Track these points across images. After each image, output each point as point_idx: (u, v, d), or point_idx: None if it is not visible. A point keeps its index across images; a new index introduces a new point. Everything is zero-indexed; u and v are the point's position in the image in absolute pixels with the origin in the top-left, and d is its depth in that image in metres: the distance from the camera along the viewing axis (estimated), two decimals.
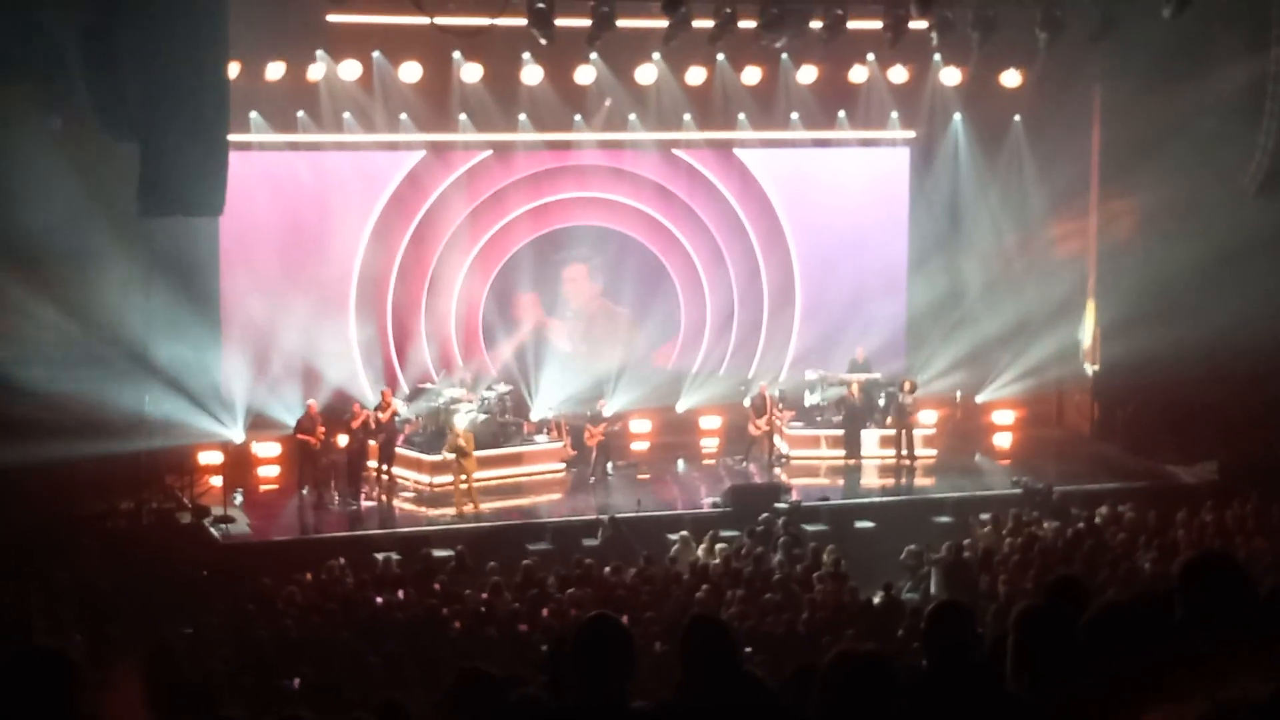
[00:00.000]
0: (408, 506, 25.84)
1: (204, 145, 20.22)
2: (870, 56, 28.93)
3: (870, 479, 27.88)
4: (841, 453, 28.49)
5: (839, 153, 30.99)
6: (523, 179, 29.28)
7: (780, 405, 28.81)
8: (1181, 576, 5.82)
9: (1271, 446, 24.62)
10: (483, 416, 26.42)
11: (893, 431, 28.24)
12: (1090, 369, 30.90)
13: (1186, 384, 25.87)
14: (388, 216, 28.43)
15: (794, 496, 25.50)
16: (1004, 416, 31.09)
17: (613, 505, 25.02)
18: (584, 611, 17.05)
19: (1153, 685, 5.25)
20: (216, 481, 25.39)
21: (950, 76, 29.54)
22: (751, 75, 28.91)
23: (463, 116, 27.95)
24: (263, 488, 26.83)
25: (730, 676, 6.17)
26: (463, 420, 26.22)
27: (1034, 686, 5.88)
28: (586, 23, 24.76)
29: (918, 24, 25.10)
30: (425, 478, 26.36)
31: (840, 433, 28.64)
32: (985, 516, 23.50)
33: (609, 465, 27.66)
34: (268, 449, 27.09)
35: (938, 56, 28.81)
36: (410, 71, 26.92)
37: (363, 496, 25.82)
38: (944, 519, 24.50)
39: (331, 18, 25.35)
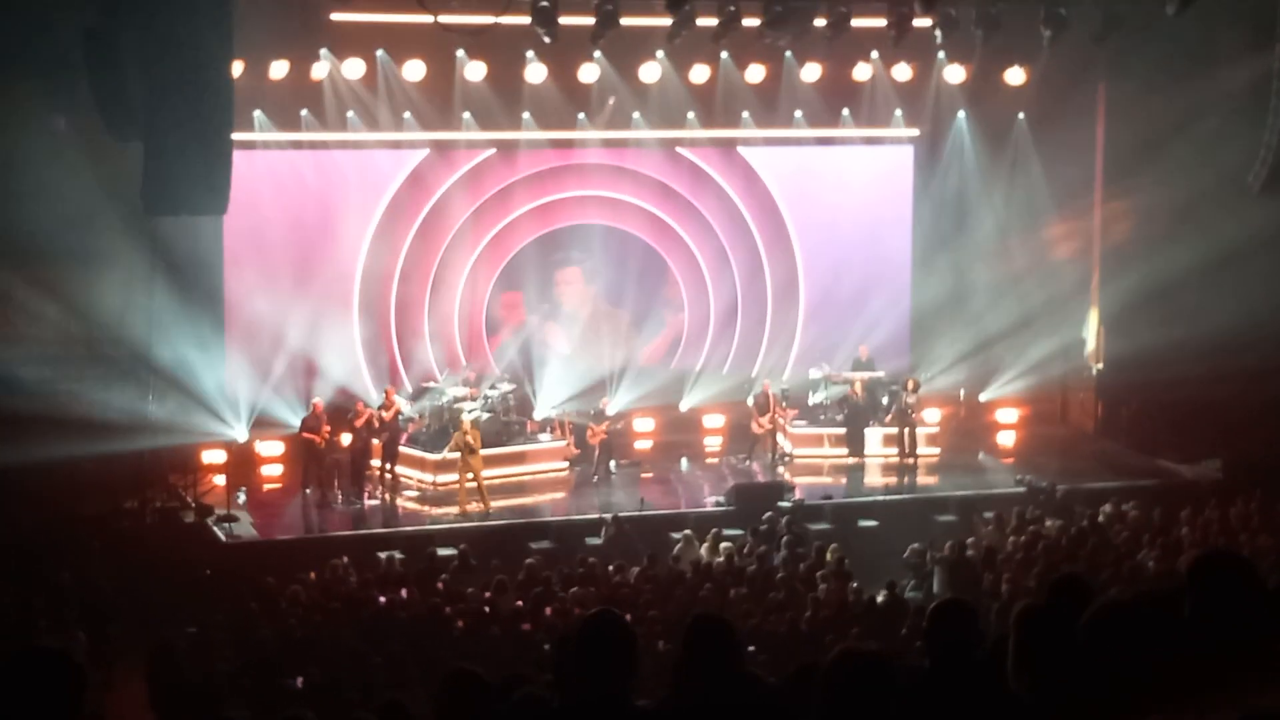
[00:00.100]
0: (411, 505, 25.84)
1: (208, 144, 20.21)
2: (874, 54, 28.90)
3: (873, 477, 27.88)
4: (845, 451, 28.48)
5: (843, 151, 30.96)
6: (526, 177, 29.27)
7: (784, 404, 28.79)
8: (1190, 574, 5.79)
9: (1275, 444, 24.59)
10: (486, 415, 26.39)
11: (896, 430, 28.22)
12: (1095, 368, 30.88)
13: (1190, 382, 25.84)
14: (391, 215, 28.42)
15: (797, 495, 25.46)
16: (1007, 415, 31.07)
17: (615, 504, 25.01)
18: (587, 610, 17.08)
19: (1158, 685, 5.24)
20: (220, 480, 25.41)
21: (954, 74, 29.52)
22: (755, 73, 28.90)
23: (466, 115, 27.95)
24: (266, 487, 26.84)
25: (733, 676, 6.16)
26: (466, 419, 26.21)
27: (1035, 686, 5.87)
28: (590, 21, 24.74)
29: (922, 22, 25.07)
30: (428, 476, 26.35)
31: (843, 431, 28.62)
32: (989, 515, 23.52)
33: (612, 464, 27.65)
34: (271, 448, 27.09)
35: (942, 54, 28.79)
36: (414, 70, 26.91)
37: (366, 495, 25.82)
38: (947, 518, 24.49)
39: (335, 16, 25.38)
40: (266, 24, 23.75)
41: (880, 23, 25.68)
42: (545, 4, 23.80)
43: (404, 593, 19.51)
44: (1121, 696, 5.27)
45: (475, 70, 27.26)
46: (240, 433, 26.40)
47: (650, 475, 28.04)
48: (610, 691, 5.70)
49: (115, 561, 20.95)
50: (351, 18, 25.48)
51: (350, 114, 27.18)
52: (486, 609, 18.53)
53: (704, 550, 21.85)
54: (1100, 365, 30.74)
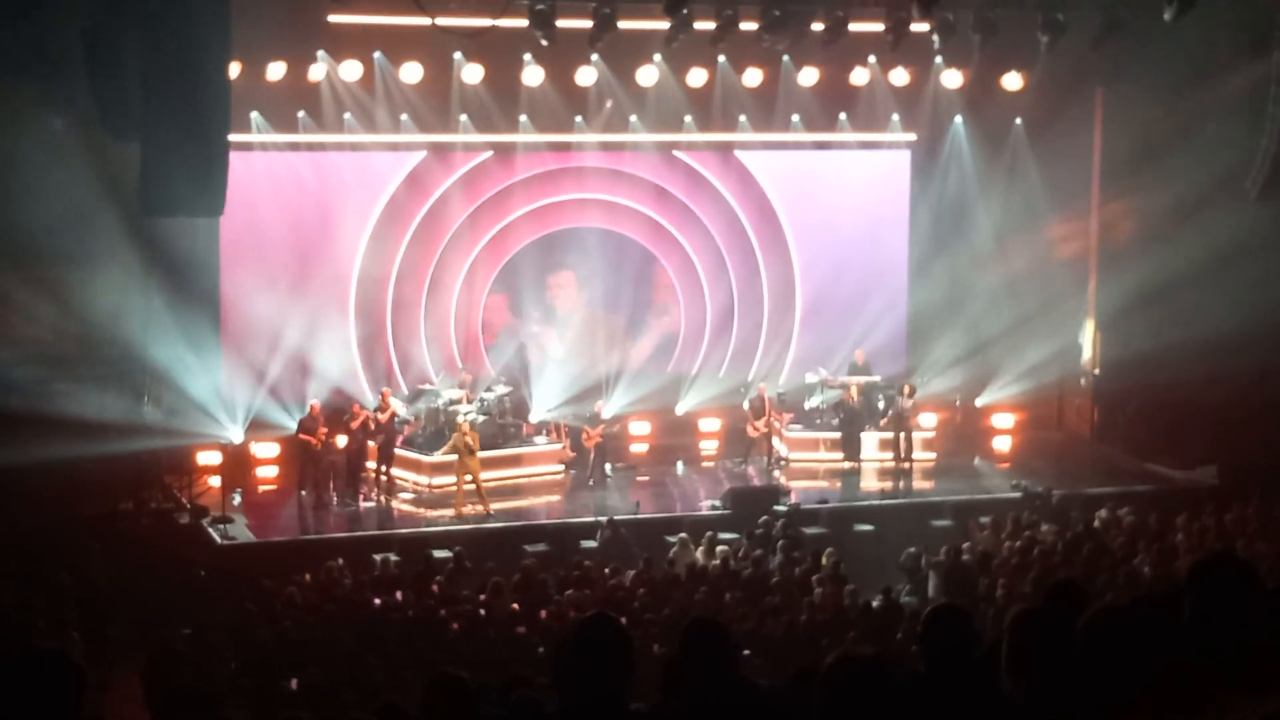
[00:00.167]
0: (406, 507, 25.82)
1: (205, 146, 20.20)
2: (871, 59, 28.88)
3: (869, 482, 27.88)
4: (840, 455, 28.48)
5: (840, 155, 30.97)
6: (523, 180, 29.26)
7: (780, 408, 28.80)
8: (1190, 577, 5.80)
9: (1272, 449, 24.58)
10: (482, 418, 26.38)
11: (892, 434, 28.23)
12: (1092, 373, 30.91)
13: (1187, 387, 25.86)
14: (388, 217, 28.42)
15: (793, 499, 25.51)
16: (1004, 420, 31.09)
17: (611, 507, 25.00)
18: (582, 613, 17.07)
19: (1159, 689, 5.24)
20: (215, 482, 25.37)
21: (951, 79, 29.51)
22: (753, 77, 28.89)
23: (463, 117, 27.94)
24: (261, 488, 26.82)
25: (728, 679, 6.16)
26: (462, 421, 26.20)
27: (1030, 690, 5.87)
28: (588, 24, 24.78)
29: (919, 26, 25.10)
30: (424, 479, 26.34)
31: (839, 435, 28.62)
32: (985, 520, 23.49)
33: (608, 467, 27.64)
34: (267, 449, 27.08)
35: (939, 59, 28.78)
36: (411, 72, 26.91)
37: (361, 497, 25.81)
38: (943, 522, 24.50)
39: (333, 18, 25.36)
40: (264, 25, 23.73)
41: (878, 27, 25.72)
42: (543, 7, 23.84)
43: (399, 595, 19.50)
44: (1120, 700, 5.28)
45: (473, 73, 27.26)
46: (236, 434, 26.38)
47: (646, 478, 28.05)
48: (605, 695, 5.69)
49: (112, 562, 20.93)
50: (349, 19, 25.48)
51: (347, 116, 27.16)
52: (482, 611, 18.52)
53: (700, 554, 21.84)
54: (1097, 370, 30.76)
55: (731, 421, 29.53)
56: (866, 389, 28.98)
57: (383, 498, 25.94)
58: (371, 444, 26.00)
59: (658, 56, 27.74)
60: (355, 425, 25.71)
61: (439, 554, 21.64)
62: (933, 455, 28.81)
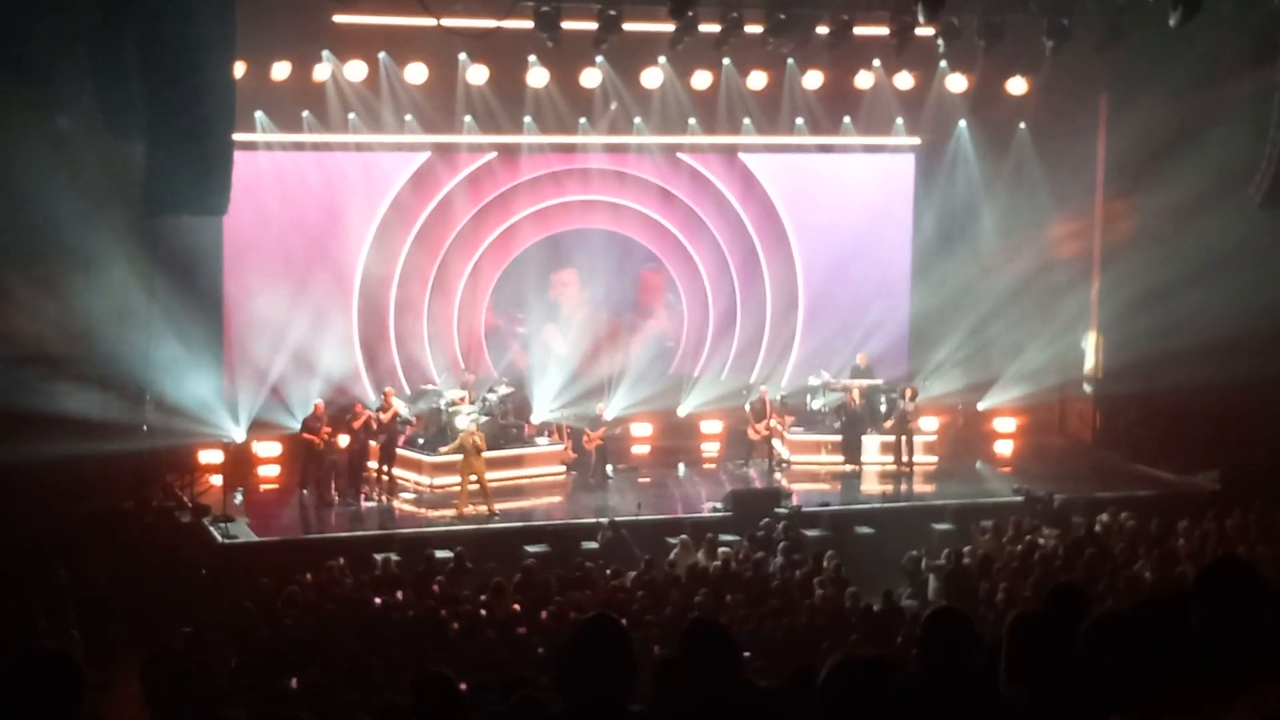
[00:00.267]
0: (408, 507, 25.83)
1: (209, 145, 20.18)
2: (876, 62, 28.88)
3: (871, 485, 27.90)
4: (842, 458, 28.48)
5: (844, 158, 30.98)
6: (527, 182, 29.28)
7: (781, 410, 28.80)
8: (1198, 582, 5.80)
9: (1273, 454, 24.58)
10: (484, 418, 26.39)
11: (893, 437, 28.23)
12: (1094, 378, 30.92)
13: (1188, 392, 25.86)
14: (392, 217, 28.43)
15: (794, 501, 25.51)
16: (1005, 424, 31.10)
17: (612, 508, 25.00)
18: (583, 614, 17.08)
19: (1165, 692, 5.24)
20: (217, 481, 25.38)
21: (956, 83, 29.50)
22: (757, 80, 28.91)
23: (468, 118, 27.96)
24: (263, 487, 26.84)
25: (729, 681, 6.16)
26: (464, 421, 26.22)
27: (1029, 693, 5.87)
28: (593, 26, 24.77)
29: (924, 31, 25.06)
30: (426, 479, 26.35)
31: (840, 438, 28.61)
32: (986, 524, 23.49)
33: (609, 468, 27.64)
34: (268, 448, 27.10)
35: (944, 63, 28.77)
36: (416, 73, 26.91)
37: (363, 497, 25.82)
38: (944, 526, 24.48)
39: (338, 18, 25.36)
40: (269, 25, 23.72)
41: (882, 31, 25.68)
42: (548, 8, 23.85)
43: (400, 595, 19.51)
44: (1122, 703, 5.28)
45: (477, 74, 27.27)
46: (238, 433, 26.41)
47: (648, 480, 28.06)
48: (606, 696, 5.70)
49: (113, 561, 20.93)
50: (354, 20, 25.47)
51: (352, 116, 27.19)
52: (483, 612, 18.52)
53: (701, 555, 21.85)
54: (1100, 375, 30.76)
55: (733, 424, 29.53)
56: (868, 392, 29.01)
57: (384, 497, 25.95)
58: (373, 444, 26.00)
59: (662, 59, 27.76)
60: (357, 425, 25.72)
61: (440, 554, 21.64)
62: (934, 459, 28.83)
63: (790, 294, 31.00)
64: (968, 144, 30.73)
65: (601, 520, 23.76)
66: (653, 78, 28.19)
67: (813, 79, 28.96)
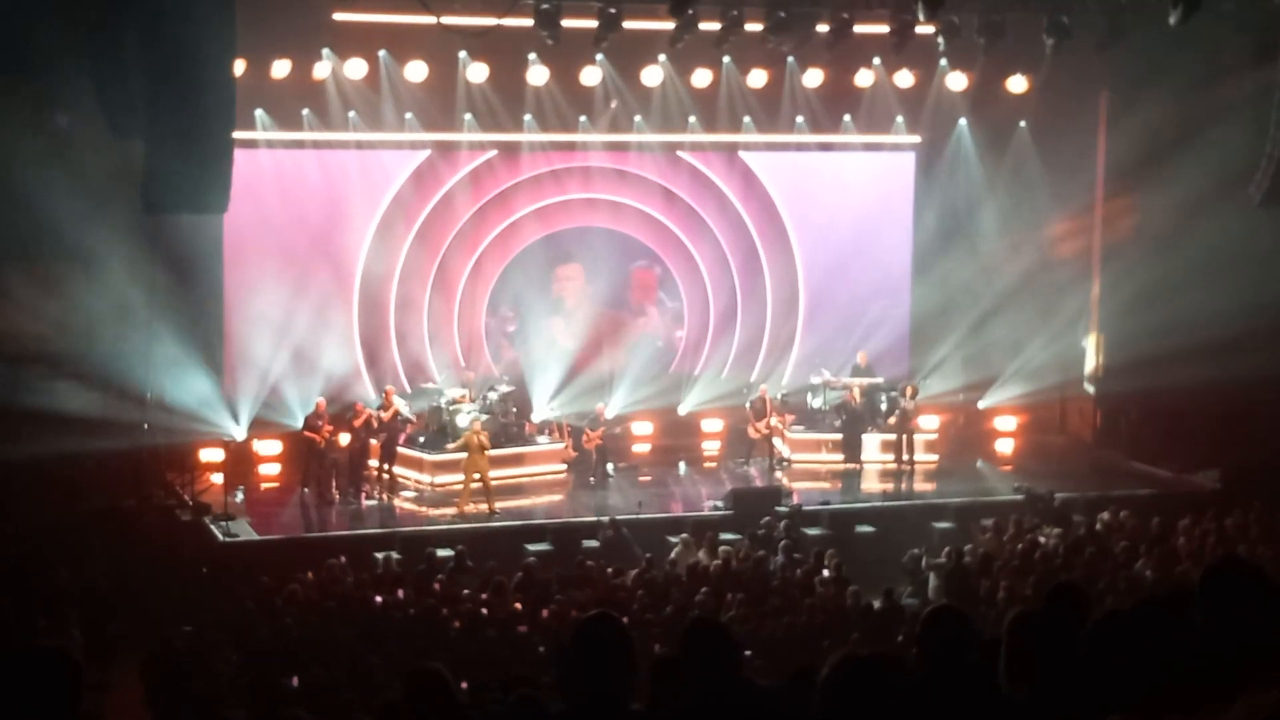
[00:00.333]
0: (408, 506, 25.82)
1: (209, 143, 20.20)
2: (876, 61, 28.87)
3: (871, 483, 27.90)
4: (842, 457, 28.47)
5: (844, 157, 30.99)
6: (527, 180, 29.28)
7: (782, 409, 28.79)
8: (1203, 581, 5.79)
9: (1274, 453, 24.58)
10: (484, 417, 26.38)
11: (894, 436, 28.23)
12: (1094, 377, 30.93)
13: (1189, 391, 25.85)
14: (392, 215, 28.43)
15: (795, 500, 25.52)
16: (1006, 422, 31.10)
17: (613, 507, 25.00)
18: (584, 613, 17.07)
19: (1170, 691, 5.24)
20: (218, 479, 25.38)
21: (956, 81, 29.51)
22: (757, 78, 28.90)
23: (468, 116, 27.96)
24: (264, 486, 26.83)
25: (729, 679, 6.16)
26: (464, 420, 26.23)
27: (1029, 692, 5.87)
28: (593, 24, 24.77)
29: (924, 29, 25.07)
30: (426, 477, 26.35)
31: (841, 437, 28.60)
32: (987, 522, 23.49)
33: (610, 467, 27.64)
34: (269, 447, 27.09)
35: (944, 61, 28.78)
36: (416, 71, 26.89)
37: (363, 495, 25.83)
38: (945, 524, 24.49)
39: (338, 16, 25.38)
40: (269, 23, 23.73)
41: (883, 29, 25.68)
42: (548, 6, 23.85)
43: (400, 593, 19.50)
44: (1124, 702, 5.27)
45: (477, 72, 27.26)
46: (238, 432, 26.41)
47: (648, 479, 28.06)
48: (607, 695, 5.69)
49: (113, 560, 20.92)
50: (354, 18, 25.49)
51: (352, 114, 27.19)
52: (483, 610, 18.51)
53: (701, 554, 21.84)
54: (1100, 373, 30.76)
55: (734, 422, 29.53)
56: (869, 390, 29.01)
57: (385, 496, 25.95)
58: (374, 442, 26.00)
59: (663, 57, 27.77)
60: (358, 423, 25.72)
61: (441, 552, 21.63)
62: (935, 457, 28.84)
63: (790, 292, 30.99)
64: (968, 142, 30.72)
65: (602, 519, 23.75)
66: (653, 76, 28.20)
67: (813, 77, 28.96)
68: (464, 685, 14.53)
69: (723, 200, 30.47)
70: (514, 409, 27.89)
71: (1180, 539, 21.69)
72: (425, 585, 19.83)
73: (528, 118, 28.30)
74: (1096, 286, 30.92)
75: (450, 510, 24.93)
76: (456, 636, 17.63)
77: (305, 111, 26.93)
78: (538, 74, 27.46)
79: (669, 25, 24.77)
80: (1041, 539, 22.12)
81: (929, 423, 29.24)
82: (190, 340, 25.52)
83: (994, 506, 24.78)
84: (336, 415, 26.02)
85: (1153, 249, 27.48)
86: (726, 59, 28.25)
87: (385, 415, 25.94)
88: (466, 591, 19.26)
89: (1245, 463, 25.26)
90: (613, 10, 24.44)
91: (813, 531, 23.89)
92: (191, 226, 24.85)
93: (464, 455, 25.01)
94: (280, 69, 25.97)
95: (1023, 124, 30.49)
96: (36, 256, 23.65)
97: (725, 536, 22.69)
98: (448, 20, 22.61)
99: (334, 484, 25.80)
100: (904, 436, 28.07)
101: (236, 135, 21.18)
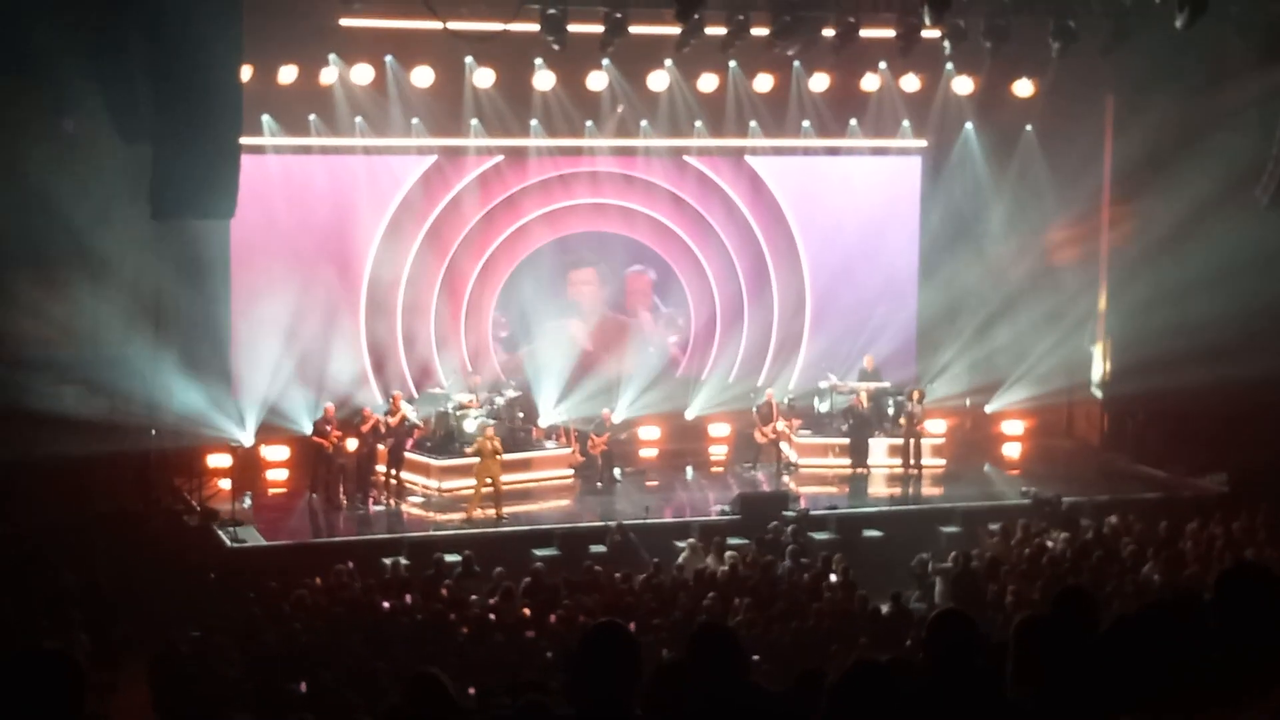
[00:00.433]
0: (416, 511, 25.83)
1: (216, 148, 20.24)
2: (882, 65, 28.88)
3: (878, 488, 27.87)
4: (849, 461, 28.44)
5: (850, 161, 31.00)
6: (534, 185, 29.29)
7: (789, 413, 28.78)
8: (1218, 586, 5.80)
9: None
10: (491, 422, 26.38)
11: (901, 440, 28.22)
12: (1101, 381, 30.91)
13: (1196, 395, 25.82)
14: (399, 220, 28.44)
15: (802, 504, 25.48)
16: (1013, 426, 31.06)
17: (620, 512, 25.00)
18: (592, 618, 17.09)
19: (1185, 694, 5.24)
20: (225, 484, 25.39)
21: (962, 85, 29.50)
22: (763, 83, 28.90)
23: (475, 121, 27.98)
24: (271, 491, 26.83)
25: (737, 684, 6.17)
26: (471, 425, 26.26)
27: (1036, 696, 5.87)
28: (599, 29, 24.76)
29: (930, 33, 25.05)
30: (434, 482, 26.36)
31: (848, 441, 28.57)
32: (994, 527, 23.49)
33: (617, 472, 27.63)
34: (276, 452, 27.09)
35: (950, 65, 28.77)
36: (422, 76, 26.91)
37: (371, 501, 25.84)
38: (952, 529, 24.49)
39: (344, 21, 25.38)
40: (276, 28, 23.77)
41: (889, 33, 25.66)
42: (554, 11, 23.86)
43: (408, 598, 19.51)
44: (1133, 707, 5.27)
45: (484, 77, 27.28)
46: (245, 437, 26.42)
47: (655, 483, 28.04)
48: (613, 700, 5.70)
49: (119, 564, 20.93)
50: (361, 23, 25.49)
51: (359, 119, 27.20)
52: (491, 615, 18.52)
53: (709, 559, 21.84)
54: (1107, 378, 30.74)
55: (741, 427, 29.51)
56: (876, 395, 28.98)
57: (392, 501, 25.97)
58: (381, 447, 26.02)
59: (669, 61, 27.79)
60: (365, 429, 25.74)
61: (448, 558, 21.64)
62: (942, 461, 28.82)
63: (797, 296, 30.99)
64: (974, 146, 30.71)
65: (609, 524, 23.74)
66: (659, 80, 28.22)
67: (819, 81, 28.97)
68: (471, 691, 14.55)
69: (729, 205, 30.47)
70: (520, 414, 27.95)
71: (1188, 542, 21.68)
72: (433, 590, 19.84)
73: (534, 123, 28.32)
74: (1103, 289, 30.89)
75: (458, 515, 24.94)
76: (464, 642, 17.66)
77: (312, 117, 26.95)
78: (544, 79, 27.47)
79: (675, 30, 24.74)
80: (1049, 543, 22.11)
81: (936, 427, 29.22)
82: (197, 345, 25.56)
83: (1001, 511, 24.77)
84: (344, 420, 26.03)
85: (1159, 252, 27.44)
86: (733, 63, 28.26)
87: (393, 420, 25.95)
88: (474, 597, 19.27)
89: (1252, 466, 25.23)
90: (619, 15, 24.44)
91: (820, 536, 23.89)
92: (198, 232, 24.90)
93: (476, 460, 25.04)
94: (287, 74, 25.99)
95: (1029, 128, 30.47)
96: (44, 261, 23.68)
97: (732, 541, 22.71)
98: (454, 25, 22.64)
99: (341, 489, 25.81)
100: (911, 441, 28.05)
101: (243, 141, 21.26)
